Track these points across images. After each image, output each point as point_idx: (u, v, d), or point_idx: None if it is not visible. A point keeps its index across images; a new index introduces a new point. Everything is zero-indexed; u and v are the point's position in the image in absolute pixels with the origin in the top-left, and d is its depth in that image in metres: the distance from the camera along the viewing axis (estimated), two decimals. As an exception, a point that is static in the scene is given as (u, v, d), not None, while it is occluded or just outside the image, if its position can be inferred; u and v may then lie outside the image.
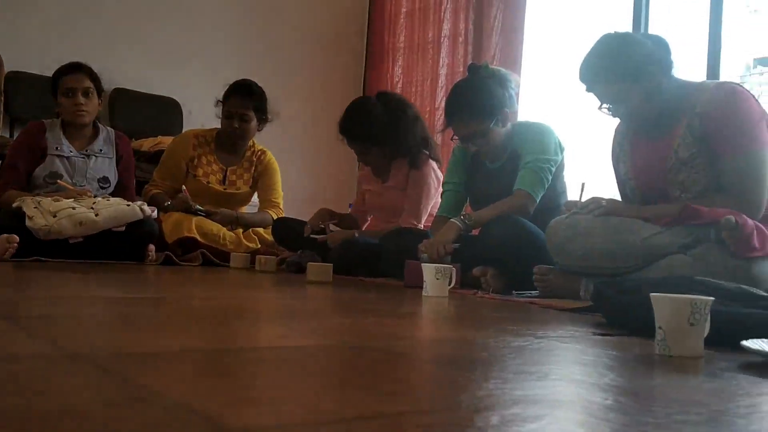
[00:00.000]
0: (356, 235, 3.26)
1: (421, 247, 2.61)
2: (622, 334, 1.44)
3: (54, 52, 3.59)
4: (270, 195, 3.77)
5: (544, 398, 0.81)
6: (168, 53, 4.84)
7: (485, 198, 2.78)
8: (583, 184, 2.36)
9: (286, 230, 3.44)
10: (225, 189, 3.69)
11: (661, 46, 2.21)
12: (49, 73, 3.32)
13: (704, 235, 2.01)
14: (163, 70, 4.80)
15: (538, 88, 4.34)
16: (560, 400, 0.83)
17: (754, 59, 3.69)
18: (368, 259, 3.05)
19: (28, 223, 2.91)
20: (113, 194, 3.34)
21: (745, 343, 1.14)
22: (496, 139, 2.74)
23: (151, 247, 3.24)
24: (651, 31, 3.84)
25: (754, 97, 2.14)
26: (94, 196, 3.19)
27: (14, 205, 3.01)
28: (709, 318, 1.17)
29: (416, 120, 3.32)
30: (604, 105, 2.24)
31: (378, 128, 3.20)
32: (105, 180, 3.36)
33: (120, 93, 4.58)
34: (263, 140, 3.87)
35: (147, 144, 4.21)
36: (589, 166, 3.86)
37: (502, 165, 2.83)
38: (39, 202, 2.99)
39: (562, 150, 2.78)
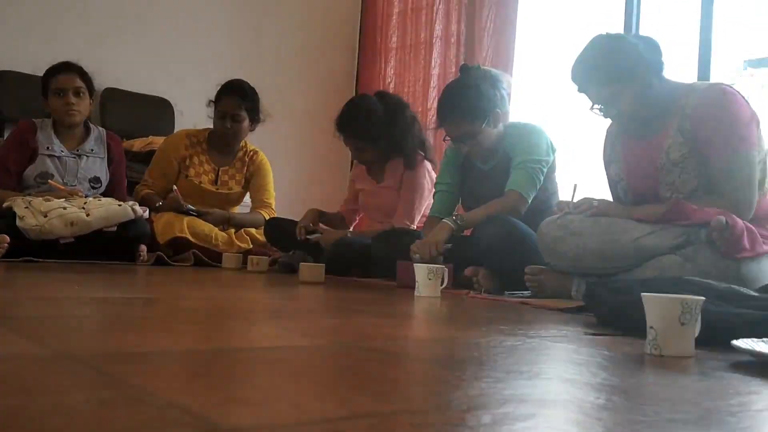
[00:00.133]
0: (348, 235, 3.26)
1: (413, 247, 2.62)
2: (613, 333, 1.45)
3: (44, 52, 3.57)
4: (262, 195, 3.76)
5: (535, 397, 0.82)
6: (160, 53, 4.82)
7: (477, 198, 2.78)
8: (575, 185, 2.37)
9: (278, 230, 3.43)
10: (217, 189, 3.68)
11: (652, 48, 2.22)
12: (40, 73, 3.30)
13: (695, 235, 2.02)
14: (154, 69, 4.79)
15: (530, 89, 4.35)
16: (552, 399, 0.83)
17: (744, 61, 3.71)
18: (360, 259, 3.05)
19: (18, 223, 2.89)
20: (104, 194, 3.33)
21: (735, 342, 1.15)
22: (487, 140, 2.75)
23: (143, 247, 3.23)
24: (642, 32, 3.86)
25: (744, 98, 2.15)
26: (85, 196, 3.17)
27: (4, 205, 3.00)
28: (699, 318, 1.18)
29: (414, 121, 3.33)
30: (596, 106, 2.25)
31: (376, 126, 3.21)
32: (96, 180, 3.34)
33: (111, 93, 4.56)
34: (255, 140, 3.86)
35: (138, 144, 4.19)
36: (580, 166, 3.87)
37: (494, 166, 2.83)
38: (30, 202, 2.97)
39: (553, 151, 2.79)
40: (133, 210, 3.12)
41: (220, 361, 0.95)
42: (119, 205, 3.11)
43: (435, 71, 5.00)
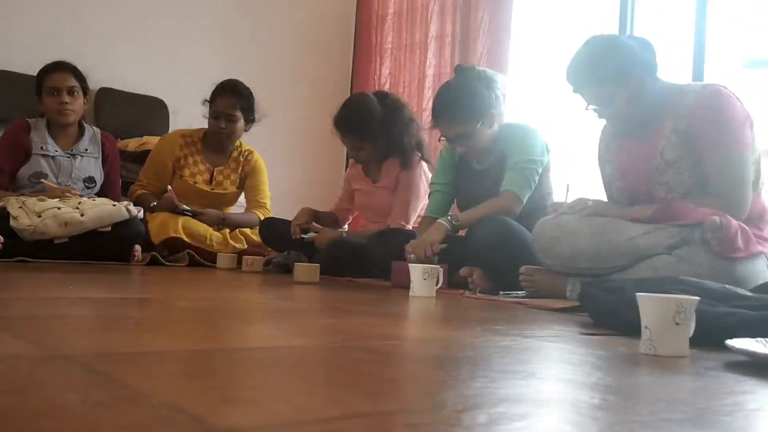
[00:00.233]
0: (344, 235, 3.26)
1: (408, 247, 2.62)
2: (608, 333, 1.45)
3: (38, 51, 3.56)
4: (257, 195, 3.76)
5: (531, 397, 0.82)
6: (155, 53, 4.81)
7: (472, 199, 2.79)
8: (567, 186, 2.37)
9: (273, 230, 3.43)
10: (212, 189, 3.67)
11: (646, 48, 2.23)
12: (34, 72, 3.29)
13: (689, 235, 2.03)
14: (149, 69, 4.77)
15: (525, 89, 4.36)
16: (547, 398, 0.83)
17: (741, 61, 3.72)
18: (356, 259, 3.05)
19: (12, 223, 2.88)
20: (99, 194, 3.32)
21: (729, 342, 1.15)
22: (482, 141, 2.75)
23: (137, 247, 3.22)
24: (637, 32, 3.87)
25: (738, 98, 2.16)
26: (80, 196, 3.16)
27: (-2, 205, 2.99)
28: (694, 317, 1.18)
29: (412, 122, 3.33)
30: (591, 106, 2.26)
31: (375, 124, 3.21)
32: (91, 180, 3.34)
33: (106, 93, 4.54)
34: (250, 140, 3.86)
35: (133, 144, 4.18)
36: (575, 167, 3.88)
37: (489, 166, 2.84)
38: (24, 202, 2.96)
39: (547, 151, 2.80)
40: (128, 210, 3.11)
41: (214, 362, 0.94)
42: (114, 205, 3.10)
43: (430, 71, 5.00)
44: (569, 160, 3.96)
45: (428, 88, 4.97)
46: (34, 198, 3.00)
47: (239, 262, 3.27)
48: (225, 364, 0.93)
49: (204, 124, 3.67)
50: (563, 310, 1.94)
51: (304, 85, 5.44)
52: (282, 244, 3.37)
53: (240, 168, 3.75)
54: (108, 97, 4.56)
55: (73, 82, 3.23)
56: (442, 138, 2.81)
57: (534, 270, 2.32)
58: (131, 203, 3.21)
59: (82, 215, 2.99)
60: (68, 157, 3.28)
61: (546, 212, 2.48)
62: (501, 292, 2.37)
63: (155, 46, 4.82)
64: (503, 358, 1.10)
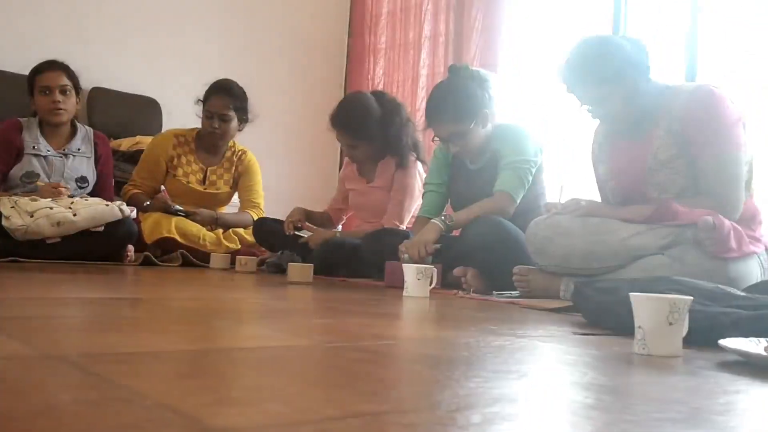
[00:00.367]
0: (338, 235, 3.25)
1: (401, 247, 2.62)
2: (602, 333, 1.45)
3: (31, 50, 3.54)
4: (250, 195, 3.76)
5: (525, 397, 0.82)
6: (148, 52, 4.80)
7: (466, 199, 2.79)
8: (561, 186, 2.38)
9: (267, 231, 3.42)
10: (205, 189, 3.67)
11: (639, 49, 2.23)
12: (26, 72, 3.28)
13: (682, 235, 2.04)
14: (142, 69, 4.76)
15: (518, 89, 4.36)
16: (541, 398, 0.83)
17: (734, 62, 3.73)
18: (349, 259, 3.05)
19: (4, 222, 2.87)
20: (92, 194, 3.31)
21: (722, 342, 1.16)
22: (476, 141, 2.76)
23: (130, 247, 3.22)
24: (630, 32, 3.88)
25: (731, 99, 2.17)
26: (72, 196, 3.15)
27: (-10, 205, 2.98)
28: (687, 317, 1.19)
29: (408, 122, 3.34)
30: (584, 106, 2.26)
31: (371, 122, 3.21)
32: (83, 180, 3.32)
33: (98, 92, 4.53)
34: (244, 140, 3.85)
35: (126, 144, 4.17)
36: (569, 166, 3.89)
37: (483, 166, 2.84)
38: (16, 202, 2.95)
39: (540, 151, 2.80)
40: (121, 210, 3.10)
41: (209, 362, 0.94)
42: (106, 205, 3.09)
43: (424, 71, 5.01)
44: (563, 160, 3.96)
45: (422, 88, 4.97)
46: (27, 198, 2.99)
47: (233, 262, 3.26)
48: (219, 364, 0.93)
49: (197, 123, 3.67)
50: (557, 310, 1.94)
51: (298, 84, 5.44)
52: (275, 244, 3.37)
53: (233, 168, 3.74)
54: (101, 96, 4.55)
55: (66, 81, 3.21)
56: (436, 138, 2.81)
57: (527, 270, 2.33)
58: (124, 203, 3.20)
59: (74, 215, 2.98)
60: (60, 157, 3.26)
61: (539, 212, 2.48)
62: (494, 292, 2.38)
63: (149, 45, 4.81)
64: (497, 358, 1.10)
